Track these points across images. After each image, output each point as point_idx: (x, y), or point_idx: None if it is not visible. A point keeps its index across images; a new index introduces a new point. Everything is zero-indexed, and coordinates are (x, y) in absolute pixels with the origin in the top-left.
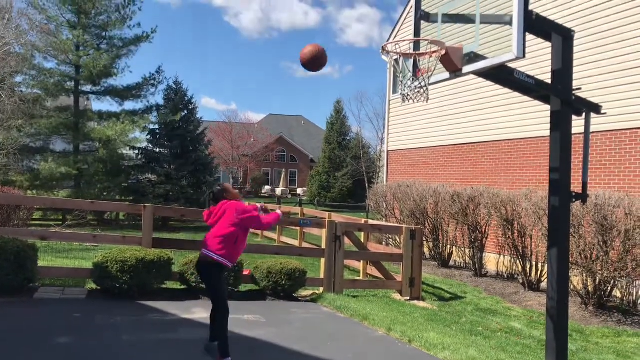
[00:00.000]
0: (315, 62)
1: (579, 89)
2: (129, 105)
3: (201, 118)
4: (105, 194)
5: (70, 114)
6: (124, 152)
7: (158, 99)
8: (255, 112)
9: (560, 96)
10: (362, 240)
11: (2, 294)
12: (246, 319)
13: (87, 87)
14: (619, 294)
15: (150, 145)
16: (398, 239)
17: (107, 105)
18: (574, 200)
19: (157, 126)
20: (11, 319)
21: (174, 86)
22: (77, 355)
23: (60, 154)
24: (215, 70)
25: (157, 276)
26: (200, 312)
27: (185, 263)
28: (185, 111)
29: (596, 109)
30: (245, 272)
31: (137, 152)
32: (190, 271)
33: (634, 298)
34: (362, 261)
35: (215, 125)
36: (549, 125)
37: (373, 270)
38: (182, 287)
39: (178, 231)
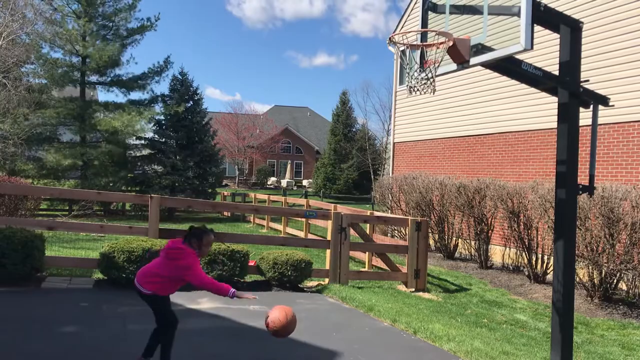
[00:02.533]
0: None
1: (587, 80)
2: (135, 95)
3: (206, 109)
4: (111, 184)
5: (77, 104)
6: (130, 142)
7: (164, 89)
8: (260, 103)
9: (568, 88)
10: (368, 231)
11: (10, 283)
12: (252, 309)
13: (94, 78)
14: (624, 287)
15: (156, 136)
16: (403, 231)
17: (113, 96)
18: (580, 192)
19: (162, 117)
20: (19, 308)
21: (179, 77)
22: (84, 343)
23: (66, 145)
24: (219, 60)
25: None
26: (206, 302)
27: None
28: (191, 102)
29: (604, 101)
30: (251, 263)
31: (143, 142)
32: None
33: None
34: (367, 252)
35: (220, 116)
36: (555, 118)
37: (378, 262)
38: None
39: (184, 222)
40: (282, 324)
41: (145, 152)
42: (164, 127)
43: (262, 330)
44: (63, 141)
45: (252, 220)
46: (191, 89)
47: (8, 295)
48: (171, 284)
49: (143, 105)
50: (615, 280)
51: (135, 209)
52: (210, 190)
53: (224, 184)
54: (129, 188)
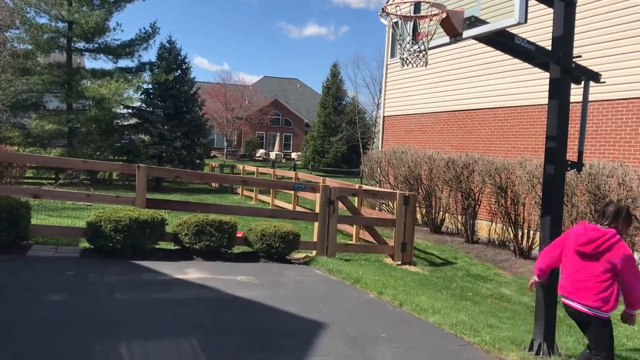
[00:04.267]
0: None
1: (579, 56)
2: (122, 63)
3: (194, 78)
4: (98, 153)
5: (63, 71)
6: (118, 111)
7: (151, 57)
8: (249, 73)
9: (561, 64)
10: (356, 205)
11: None
12: (239, 280)
13: (80, 45)
14: None
15: (144, 105)
16: (391, 205)
17: (100, 63)
18: (569, 168)
19: (150, 86)
20: (4, 276)
21: (167, 45)
22: (71, 312)
23: (52, 112)
24: (206, 29)
25: (150, 236)
26: (193, 272)
27: (179, 224)
28: (179, 71)
29: (595, 77)
30: (239, 234)
31: (130, 112)
32: (184, 232)
33: None
34: (355, 226)
35: (209, 86)
36: (545, 94)
37: (366, 235)
38: (176, 247)
39: (171, 192)
40: None
41: (133, 121)
42: (151, 96)
43: (250, 301)
44: (49, 108)
45: (240, 192)
46: (179, 57)
47: None
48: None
49: (131, 73)
50: None
51: (122, 179)
52: (198, 161)
53: (212, 155)
54: (116, 157)
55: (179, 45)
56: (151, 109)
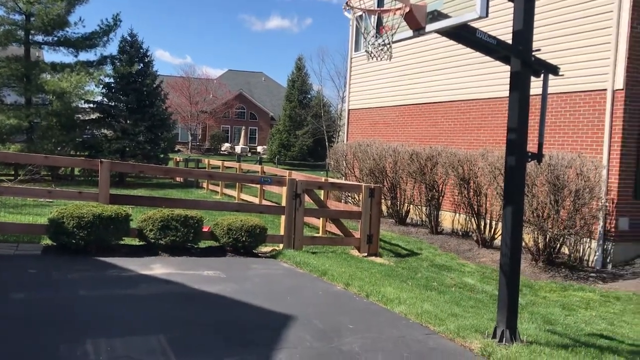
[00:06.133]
0: None
1: (539, 50)
2: (84, 56)
3: (157, 71)
4: (59, 148)
5: (21, 64)
6: (79, 106)
7: (112, 50)
8: (213, 67)
9: (521, 57)
10: (322, 198)
11: None
12: (206, 275)
13: (39, 37)
14: (567, 251)
15: (106, 100)
16: (357, 197)
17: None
18: (529, 160)
19: (112, 79)
20: None
21: (128, 38)
22: (34, 310)
23: (10, 106)
24: (167, 21)
25: (114, 232)
26: (159, 268)
27: (143, 219)
28: (141, 64)
29: (554, 70)
30: (205, 229)
31: (92, 106)
32: (149, 227)
33: (581, 254)
34: (321, 218)
35: (172, 80)
36: (507, 87)
37: (332, 228)
38: (141, 243)
39: (135, 187)
40: None
41: (94, 115)
42: (113, 90)
43: (216, 295)
44: (7, 103)
45: (205, 187)
46: (141, 50)
47: None
48: None
49: (92, 66)
50: (558, 245)
51: (84, 174)
52: (162, 156)
53: (176, 149)
54: (78, 153)
55: (140, 38)
56: (113, 103)
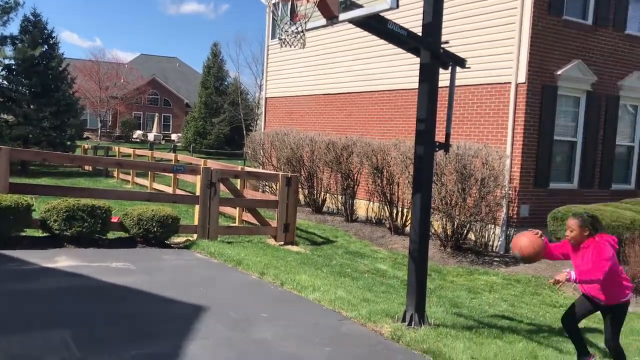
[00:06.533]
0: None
1: (447, 42)
2: None
3: (63, 54)
4: None
5: None
6: None
7: (13, 30)
8: (124, 51)
9: (430, 49)
10: (239, 187)
11: None
12: (114, 267)
13: None
14: (473, 237)
15: (6, 82)
16: (274, 186)
17: None
18: (437, 149)
19: (13, 61)
20: None
21: (31, 18)
22: None
23: None
24: (75, 1)
25: (14, 223)
26: (64, 260)
27: (47, 209)
28: (46, 46)
29: (461, 62)
30: (114, 220)
31: None
32: (53, 218)
33: (486, 240)
34: (238, 208)
35: (80, 63)
36: (417, 78)
37: (249, 217)
38: (44, 234)
39: (40, 176)
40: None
41: None
42: (14, 72)
43: (126, 288)
44: None
45: (116, 176)
46: (45, 31)
47: None
48: None
49: None
50: (465, 231)
51: None
52: (69, 143)
53: (84, 136)
54: None
55: (45, 18)
56: (14, 86)
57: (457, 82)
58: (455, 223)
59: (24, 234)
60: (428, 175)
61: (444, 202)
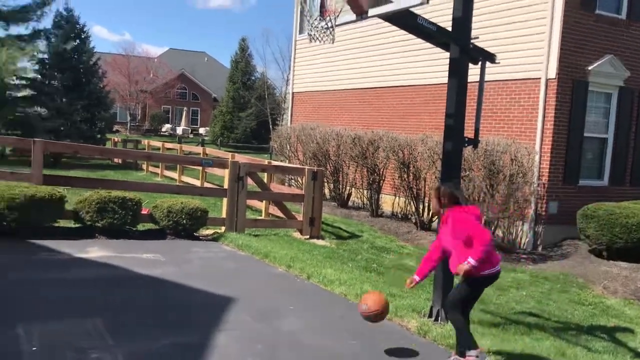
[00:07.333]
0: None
1: (477, 38)
2: (15, 30)
3: (94, 48)
4: None
5: None
6: (10, 82)
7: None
8: (153, 45)
9: (460, 44)
10: (265, 181)
11: None
12: (145, 258)
13: None
14: (500, 234)
15: (39, 77)
16: (300, 180)
17: None
18: (466, 145)
19: (46, 55)
20: None
21: (64, 13)
22: None
23: None
24: None
25: (48, 214)
26: (96, 251)
27: (79, 201)
28: (77, 40)
29: (491, 58)
30: (144, 211)
31: (24, 83)
32: (85, 209)
33: (513, 237)
34: (264, 201)
35: (110, 57)
36: (446, 73)
37: (275, 210)
38: (77, 225)
39: (71, 169)
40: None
41: (27, 92)
42: (47, 66)
43: (156, 278)
44: None
45: (145, 169)
46: (77, 26)
47: None
48: None
49: (24, 41)
50: (493, 228)
51: (16, 154)
52: (99, 136)
53: (114, 129)
54: (9, 131)
55: (77, 13)
56: (47, 80)
57: (486, 77)
58: (483, 220)
59: (57, 224)
60: (456, 171)
61: (471, 198)
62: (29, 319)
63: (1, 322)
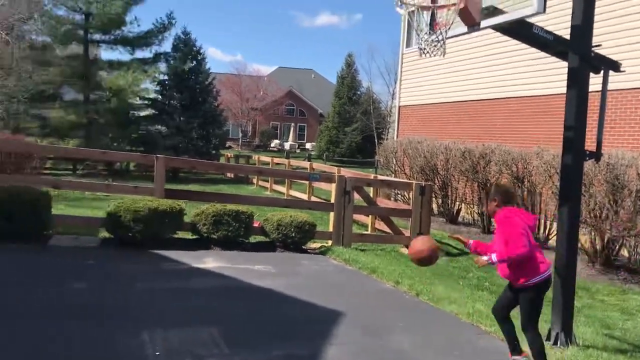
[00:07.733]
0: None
1: (599, 45)
2: (139, 54)
3: (209, 69)
4: (115, 144)
5: (80, 62)
6: (134, 102)
7: (166, 48)
8: (263, 64)
9: (579, 52)
10: (371, 195)
11: (18, 240)
12: (256, 269)
13: (97, 36)
14: (626, 253)
15: (160, 97)
16: (407, 195)
17: (116, 54)
18: (587, 158)
19: (166, 77)
20: (27, 264)
21: (182, 36)
22: (93, 299)
23: (70, 103)
24: (218, 18)
25: (169, 226)
26: (211, 261)
27: (197, 214)
28: (194, 62)
29: (615, 66)
30: (256, 224)
31: (146, 103)
32: (202, 222)
33: None
34: (370, 216)
35: (223, 77)
36: (561, 83)
37: (381, 225)
38: (194, 236)
39: (188, 183)
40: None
41: (149, 112)
42: (167, 87)
43: (267, 290)
44: (66, 100)
45: (255, 183)
46: (194, 48)
47: (17, 252)
48: None
49: (147, 64)
50: (617, 247)
51: (139, 170)
52: (214, 152)
53: (227, 145)
54: (133, 148)
55: (193, 36)
56: (167, 100)
57: (608, 86)
58: (606, 238)
59: (176, 236)
60: (576, 186)
61: (592, 214)
62: (153, 326)
63: (131, 328)
